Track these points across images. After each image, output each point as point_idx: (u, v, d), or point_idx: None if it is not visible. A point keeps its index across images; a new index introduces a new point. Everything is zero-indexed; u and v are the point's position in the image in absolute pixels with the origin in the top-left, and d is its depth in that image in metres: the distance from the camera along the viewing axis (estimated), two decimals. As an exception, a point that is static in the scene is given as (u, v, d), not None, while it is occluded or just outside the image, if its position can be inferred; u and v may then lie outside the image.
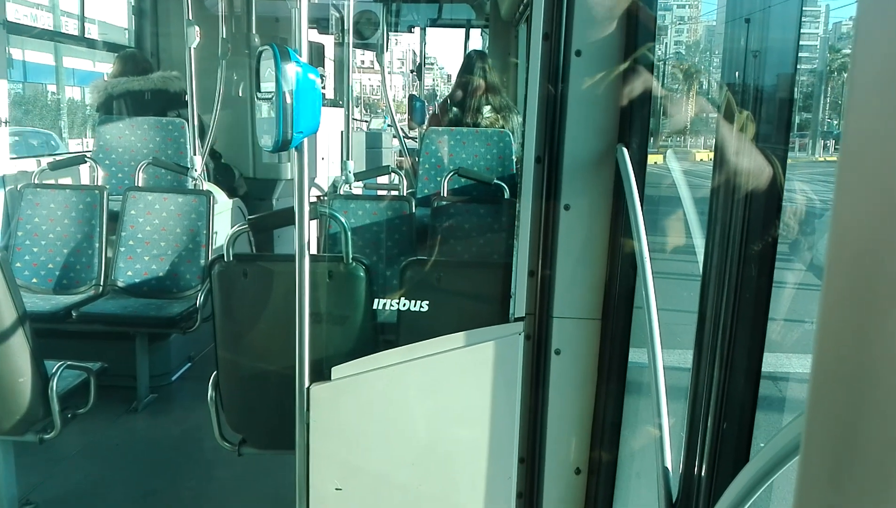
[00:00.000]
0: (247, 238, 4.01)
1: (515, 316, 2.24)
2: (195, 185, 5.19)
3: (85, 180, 5.57)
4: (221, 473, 3.68)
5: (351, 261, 2.75)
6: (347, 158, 5.34)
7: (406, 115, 7.27)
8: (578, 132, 2.09)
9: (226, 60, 5.80)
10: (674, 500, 1.65)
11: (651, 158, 2.14)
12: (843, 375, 0.56)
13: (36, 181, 4.85)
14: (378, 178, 6.82)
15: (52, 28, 16.21)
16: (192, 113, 5.24)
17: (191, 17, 5.08)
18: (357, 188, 5.61)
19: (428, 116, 6.57)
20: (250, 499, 3.53)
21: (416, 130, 7.19)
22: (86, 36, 7.38)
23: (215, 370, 2.94)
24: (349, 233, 2.84)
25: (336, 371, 2.29)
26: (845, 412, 0.55)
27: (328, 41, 7.86)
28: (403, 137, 7.26)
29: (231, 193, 5.93)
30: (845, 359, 0.55)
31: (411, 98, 7.11)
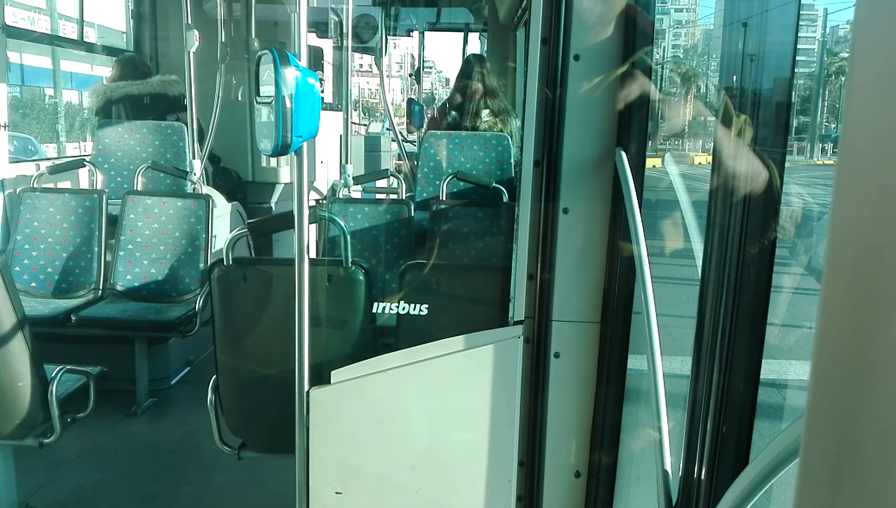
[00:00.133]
0: (246, 242, 4.01)
1: (515, 320, 2.24)
2: (194, 189, 5.19)
3: (84, 184, 5.57)
4: (221, 477, 3.68)
5: (350, 265, 2.76)
6: (346, 162, 5.34)
7: (405, 118, 7.27)
8: (577, 136, 2.10)
9: (225, 64, 5.80)
10: (673, 503, 1.65)
11: (650, 162, 2.15)
12: (842, 377, 0.56)
13: (35, 185, 4.85)
14: (377, 181, 6.82)
15: (49, 31, 16.19)
16: (191, 117, 5.24)
17: (190, 21, 5.08)
18: (356, 192, 5.62)
19: (426, 120, 6.57)
20: (250, 503, 3.53)
21: (415, 133, 7.20)
22: (84, 40, 7.38)
23: (215, 373, 2.94)
24: (348, 237, 2.84)
25: (336, 375, 2.29)
26: (845, 415, 0.55)
27: (327, 45, 7.87)
28: (402, 141, 7.27)
29: (230, 196, 5.93)
30: (845, 362, 0.56)
31: (410, 102, 7.12)
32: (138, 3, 6.96)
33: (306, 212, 2.13)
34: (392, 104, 9.72)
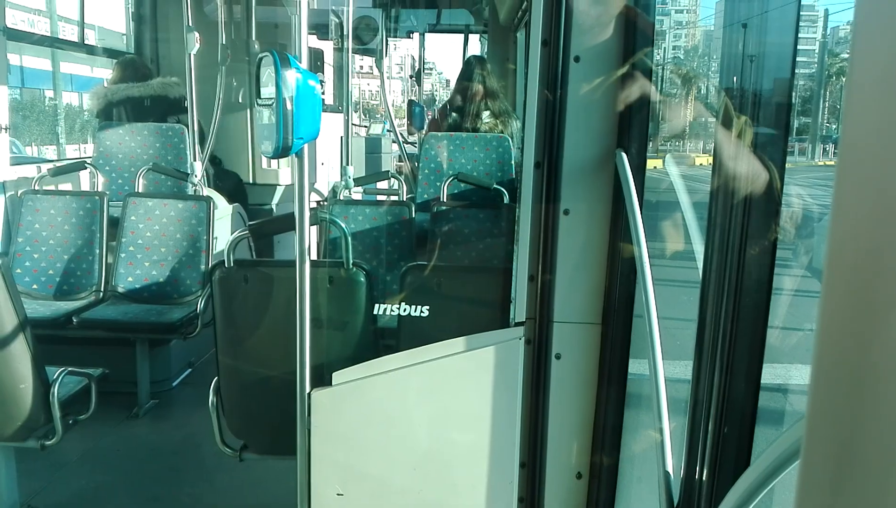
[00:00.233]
0: (247, 244, 4.01)
1: (516, 321, 2.24)
2: (195, 190, 5.20)
3: (85, 186, 5.57)
4: (222, 479, 3.68)
5: (351, 266, 2.76)
6: (347, 164, 5.35)
7: (405, 120, 7.28)
8: (577, 137, 2.10)
9: (225, 66, 5.81)
10: (675, 504, 1.65)
11: (651, 163, 2.15)
12: (843, 379, 0.56)
13: (36, 187, 4.86)
14: (378, 183, 6.82)
15: (49, 33, 16.20)
16: (191, 119, 5.25)
17: (190, 24, 5.09)
18: (357, 193, 5.62)
19: (427, 122, 6.57)
20: (251, 505, 3.53)
21: (416, 135, 7.20)
22: (85, 42, 7.38)
23: (216, 375, 2.94)
24: (349, 238, 2.85)
25: (337, 377, 2.29)
26: (845, 417, 0.55)
27: (327, 47, 7.87)
28: (403, 143, 7.27)
29: (231, 198, 5.94)
30: (845, 363, 0.56)
31: (410, 103, 7.12)
32: (139, 6, 6.96)
33: (307, 214, 2.14)
34: (392, 106, 9.72)
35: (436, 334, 2.34)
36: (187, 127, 5.41)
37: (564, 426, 2.24)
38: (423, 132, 6.25)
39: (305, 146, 2.01)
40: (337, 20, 6.54)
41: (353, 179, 5.26)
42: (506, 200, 4.53)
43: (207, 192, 5.29)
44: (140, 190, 5.12)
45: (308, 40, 2.26)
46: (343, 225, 3.18)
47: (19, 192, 4.83)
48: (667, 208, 2.29)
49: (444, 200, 4.69)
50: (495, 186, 4.68)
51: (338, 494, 2.33)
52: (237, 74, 6.63)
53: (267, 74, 1.93)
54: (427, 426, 2.35)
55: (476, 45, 8.80)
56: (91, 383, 3.19)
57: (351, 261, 2.75)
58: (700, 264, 1.76)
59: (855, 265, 0.55)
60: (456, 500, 2.36)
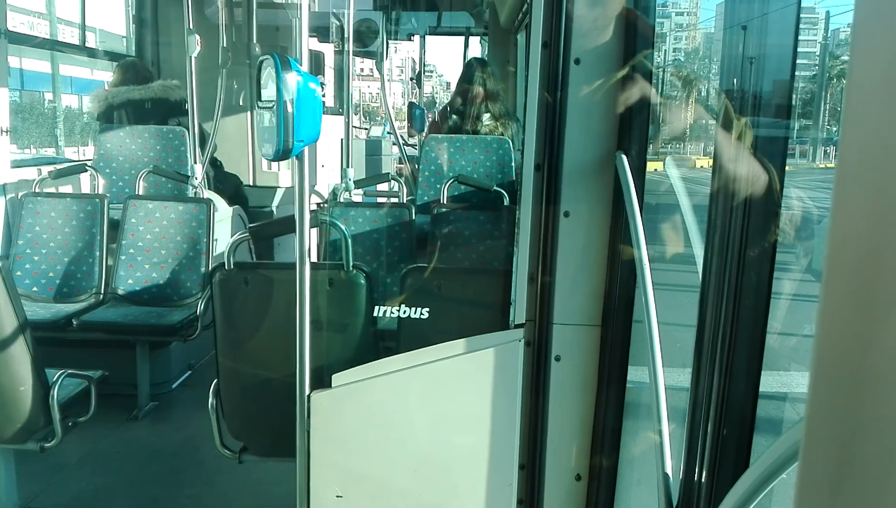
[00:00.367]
0: (247, 246, 4.02)
1: (515, 323, 2.24)
2: (195, 193, 5.20)
3: (85, 189, 5.57)
4: (222, 481, 3.68)
5: (351, 268, 2.76)
6: (347, 166, 5.35)
7: (405, 122, 7.28)
8: (578, 139, 2.10)
9: (226, 69, 5.82)
10: (674, 506, 1.65)
11: (651, 166, 2.15)
12: (842, 380, 0.56)
13: (36, 190, 4.86)
14: (378, 185, 6.82)
15: (49, 36, 16.19)
16: (192, 121, 5.25)
17: (191, 26, 5.09)
18: (357, 196, 5.62)
19: (427, 124, 6.58)
20: (251, 507, 3.53)
21: (416, 137, 7.21)
22: (85, 45, 7.39)
23: (216, 377, 2.94)
24: (349, 240, 2.85)
25: (336, 379, 2.29)
26: (844, 418, 0.56)
27: (328, 49, 7.88)
28: (403, 145, 7.27)
29: (231, 200, 5.94)
30: (844, 365, 0.56)
31: (411, 105, 7.12)
32: (140, 8, 6.97)
33: (307, 216, 2.14)
34: (393, 108, 9.73)
35: (436, 336, 2.34)
36: (188, 130, 5.41)
37: (564, 427, 2.24)
38: (424, 134, 6.25)
39: (306, 149, 2.01)
40: (338, 23, 6.56)
41: (354, 182, 5.26)
42: (506, 202, 4.53)
43: (208, 194, 5.30)
44: (140, 192, 5.13)
45: (309, 43, 2.27)
46: (343, 227, 3.17)
47: (20, 194, 4.83)
48: (668, 210, 2.30)
49: (445, 202, 4.70)
50: (495, 188, 4.68)
51: (337, 496, 2.33)
52: (238, 77, 6.64)
53: (268, 76, 1.93)
54: (427, 428, 2.35)
55: (476, 48, 8.81)
56: (91, 385, 3.19)
57: (351, 263, 2.75)
58: (700, 267, 1.76)
59: (854, 267, 0.55)
60: (456, 502, 2.36)
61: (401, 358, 2.30)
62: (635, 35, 2.05)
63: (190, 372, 5.09)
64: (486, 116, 5.46)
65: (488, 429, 2.28)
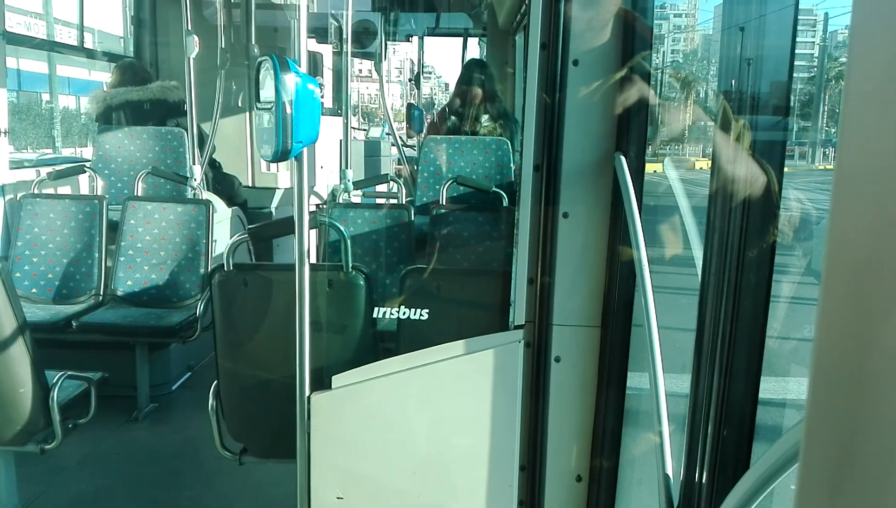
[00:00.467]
0: (246, 247, 4.01)
1: (515, 324, 2.24)
2: (194, 194, 5.20)
3: (84, 190, 5.57)
4: (222, 482, 3.68)
5: (351, 270, 2.76)
6: (346, 167, 5.35)
7: (404, 123, 7.28)
8: (576, 141, 2.10)
9: (225, 70, 5.82)
10: (675, 507, 1.65)
11: (651, 167, 2.15)
12: (841, 381, 0.56)
13: (35, 191, 4.86)
14: (377, 186, 6.83)
15: (45, 36, 16.15)
16: (191, 123, 5.25)
17: (190, 27, 5.09)
18: (356, 197, 5.62)
19: (426, 125, 6.58)
20: (251, 508, 3.53)
21: (415, 138, 7.22)
22: (83, 46, 7.39)
23: (216, 379, 2.94)
24: (349, 241, 2.85)
25: (336, 380, 2.29)
26: (844, 419, 0.56)
27: (326, 50, 7.88)
28: (402, 146, 7.28)
29: (230, 202, 5.94)
30: (844, 365, 0.56)
31: (409, 107, 7.12)
32: (138, 9, 6.97)
33: (306, 217, 2.14)
34: (392, 109, 9.73)
35: (435, 337, 2.34)
36: (186, 131, 5.41)
37: (564, 429, 2.24)
38: (423, 135, 6.25)
39: (305, 150, 2.01)
40: (336, 24, 6.56)
41: (353, 183, 5.27)
42: (505, 203, 4.54)
43: (207, 195, 5.30)
44: (139, 194, 5.13)
45: (307, 44, 2.27)
46: (342, 228, 3.18)
47: (18, 195, 4.83)
48: (667, 211, 2.30)
49: (444, 203, 4.70)
50: (494, 189, 4.68)
51: (337, 497, 2.33)
52: (236, 78, 6.63)
53: (266, 77, 1.94)
54: (427, 429, 2.35)
55: (475, 49, 8.82)
56: (90, 387, 3.19)
57: (350, 264, 2.76)
58: (699, 268, 1.77)
59: (854, 268, 0.55)
60: (456, 503, 2.36)
61: (400, 359, 2.30)
62: (633, 36, 2.05)
63: (189, 374, 5.09)
64: (484, 117, 5.47)
65: (488, 430, 2.28)
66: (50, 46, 10.89)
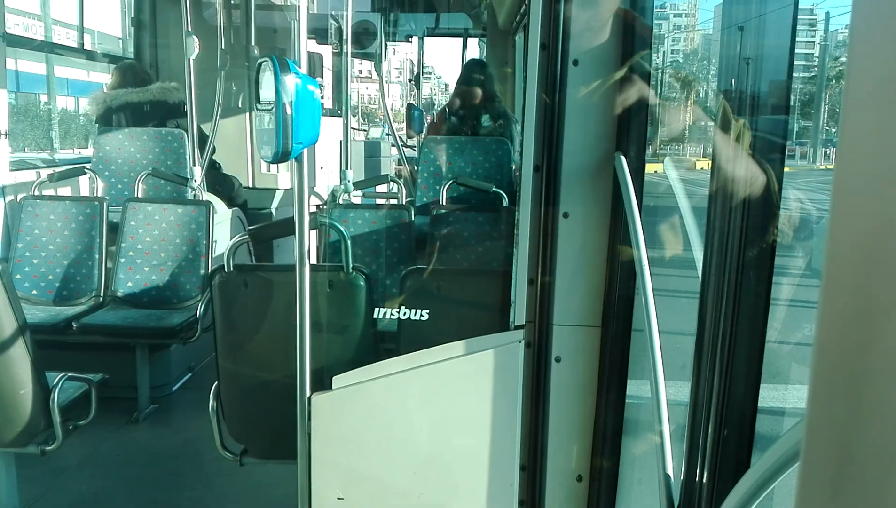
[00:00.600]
0: (247, 248, 4.02)
1: (515, 324, 2.24)
2: (195, 195, 5.20)
3: (85, 192, 5.57)
4: (223, 483, 3.68)
5: (351, 270, 2.76)
6: (346, 168, 5.35)
7: (404, 124, 7.28)
8: (576, 141, 2.10)
9: (225, 71, 5.82)
10: (675, 507, 1.65)
11: (651, 167, 2.15)
12: (842, 381, 0.56)
13: (35, 193, 4.86)
14: (377, 187, 6.83)
15: (43, 37, 16.11)
16: (191, 124, 5.25)
17: (190, 28, 5.10)
18: (356, 197, 5.62)
19: (426, 125, 6.58)
20: (252, 509, 3.53)
21: (415, 138, 7.22)
22: (83, 47, 7.39)
23: (216, 380, 2.94)
24: (349, 242, 2.85)
25: (337, 381, 2.29)
26: (845, 419, 0.56)
27: (326, 51, 7.88)
28: (402, 146, 7.28)
29: (230, 203, 5.94)
30: (844, 365, 0.56)
31: (409, 107, 7.12)
32: (138, 11, 6.97)
33: (307, 218, 2.14)
34: (391, 109, 9.73)
35: (436, 337, 2.34)
36: (186, 132, 5.41)
37: (564, 428, 2.24)
38: (423, 136, 6.26)
39: (305, 150, 2.01)
40: (336, 24, 6.56)
41: (353, 183, 5.27)
42: (505, 203, 4.54)
43: (207, 196, 5.30)
44: (139, 195, 5.13)
45: (307, 45, 2.27)
46: (342, 229, 3.18)
47: (19, 197, 4.83)
48: (668, 212, 2.30)
49: (444, 203, 4.70)
50: (494, 189, 4.68)
51: (338, 498, 2.33)
52: (236, 79, 6.64)
53: (266, 79, 1.94)
54: (427, 429, 2.35)
55: (475, 49, 8.82)
56: (91, 388, 3.19)
57: (350, 265, 2.76)
58: (699, 268, 1.77)
59: (854, 268, 0.55)
60: (456, 503, 2.36)
61: (401, 360, 2.30)
62: (633, 36, 2.05)
63: (190, 375, 5.09)
64: (484, 118, 5.47)
65: (489, 430, 2.28)
66: (50, 48, 10.89)
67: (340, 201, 5.01)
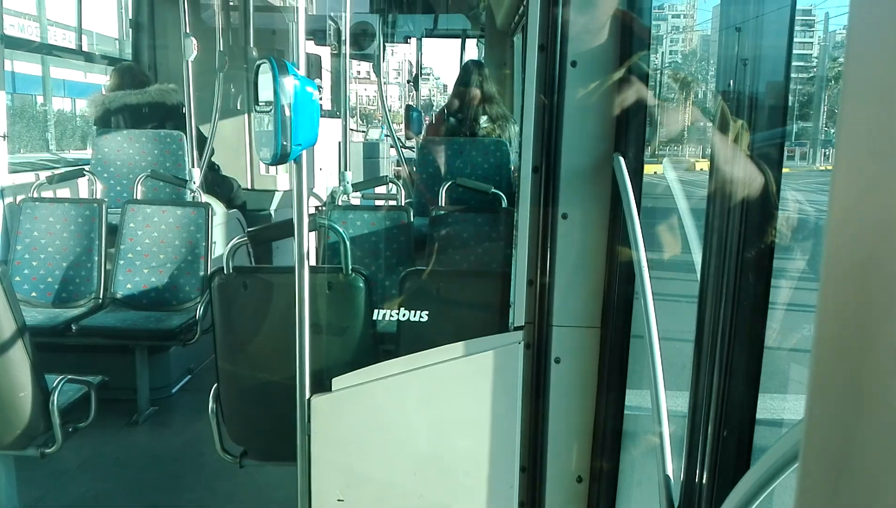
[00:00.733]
0: (246, 250, 4.01)
1: (515, 325, 2.24)
2: (193, 197, 5.20)
3: (83, 194, 5.57)
4: (223, 485, 3.68)
5: (350, 272, 2.76)
6: (345, 169, 5.35)
7: (403, 125, 7.28)
8: (575, 142, 2.10)
9: (223, 73, 5.82)
10: (675, 507, 1.65)
11: (651, 168, 2.16)
12: (841, 382, 0.56)
13: (34, 195, 4.86)
14: (376, 188, 6.83)
15: (39, 38, 16.08)
16: (189, 125, 5.25)
17: (188, 30, 5.10)
18: (355, 199, 5.62)
19: (425, 126, 6.58)
20: (252, 511, 3.53)
21: (414, 139, 7.22)
22: (81, 49, 7.39)
23: (216, 382, 2.94)
24: (348, 244, 2.85)
25: (337, 382, 2.29)
26: (844, 420, 0.56)
27: (325, 52, 7.88)
28: (401, 147, 7.28)
29: (229, 204, 5.94)
30: (843, 366, 0.56)
31: (408, 108, 7.13)
32: (137, 13, 6.97)
33: (306, 219, 2.14)
34: (390, 111, 9.73)
35: (435, 338, 2.34)
36: (185, 134, 5.41)
37: (564, 429, 2.24)
38: (421, 137, 6.26)
39: (304, 152, 2.01)
40: (334, 26, 6.56)
41: (352, 185, 5.26)
42: (504, 204, 4.54)
43: (206, 198, 5.30)
44: (138, 197, 5.13)
45: (305, 46, 2.27)
46: (341, 230, 3.18)
47: (18, 199, 4.83)
48: (668, 213, 2.30)
49: (443, 204, 4.70)
50: (493, 190, 4.68)
51: (338, 500, 2.33)
52: (235, 81, 6.64)
53: (265, 80, 1.93)
54: (427, 430, 2.35)
55: (473, 50, 8.82)
56: (90, 390, 3.19)
57: (350, 266, 2.76)
58: (698, 268, 1.77)
59: (852, 270, 0.55)
60: (457, 505, 2.36)
61: (400, 361, 2.30)
62: (631, 37, 2.05)
63: (189, 377, 5.08)
64: (483, 119, 5.47)
65: (489, 432, 2.28)
66: (49, 50, 10.89)
67: (339, 203, 5.01)
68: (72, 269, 4.72)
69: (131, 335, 4.40)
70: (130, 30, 7.04)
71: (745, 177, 1.59)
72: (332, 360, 2.63)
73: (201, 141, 5.56)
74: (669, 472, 1.65)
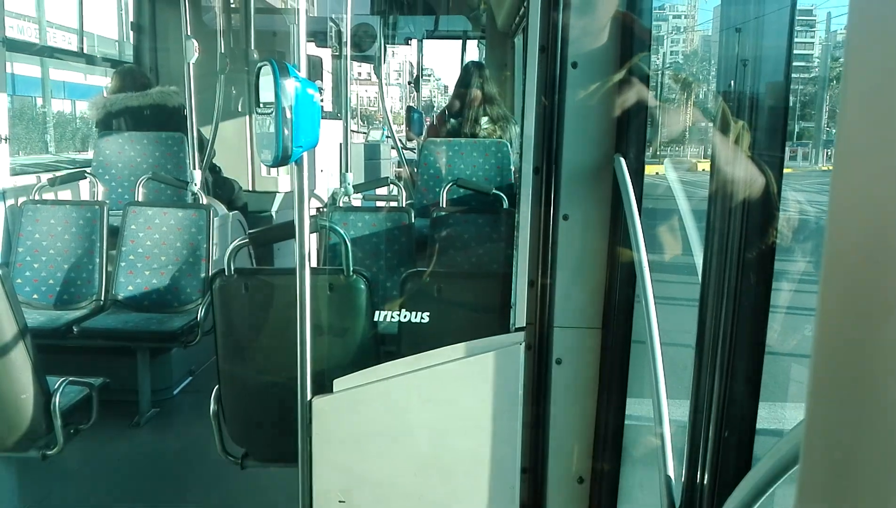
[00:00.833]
0: (247, 252, 4.02)
1: (516, 326, 2.24)
2: (195, 199, 5.20)
3: (85, 196, 5.58)
4: (224, 487, 3.68)
5: (351, 273, 2.76)
6: (346, 170, 5.35)
7: (404, 126, 7.28)
8: (576, 143, 2.10)
9: (224, 75, 5.82)
10: (676, 508, 1.65)
11: (653, 169, 2.16)
12: (842, 382, 0.56)
13: (36, 197, 4.86)
14: (377, 189, 6.83)
15: (38, 40, 16.10)
16: (191, 127, 5.26)
17: (189, 32, 5.10)
18: (356, 200, 5.62)
19: (426, 128, 6.58)
20: (253, 513, 3.53)
21: (415, 141, 7.22)
22: (82, 51, 7.39)
23: (217, 383, 2.94)
24: (349, 245, 2.85)
25: (338, 384, 2.29)
26: (844, 422, 0.56)
27: (326, 54, 7.89)
28: (402, 149, 7.28)
29: (230, 206, 5.94)
30: (844, 368, 0.56)
31: (409, 109, 7.12)
32: (138, 15, 6.97)
33: (307, 221, 2.14)
34: (391, 112, 9.74)
35: (436, 340, 2.34)
36: (186, 136, 5.42)
37: (565, 430, 2.24)
38: (422, 138, 6.26)
39: (305, 154, 2.01)
40: (335, 27, 6.56)
41: (353, 186, 5.26)
42: (505, 205, 4.54)
43: (207, 200, 5.30)
44: (140, 199, 5.13)
45: (306, 48, 2.27)
46: (342, 232, 3.18)
47: (19, 201, 4.84)
48: (670, 214, 2.30)
49: (444, 205, 4.70)
50: (494, 191, 4.68)
51: (340, 501, 2.33)
52: (236, 83, 6.64)
53: (266, 82, 1.94)
54: (428, 432, 2.35)
55: (474, 52, 8.82)
56: (92, 392, 3.19)
57: (351, 268, 2.76)
58: (699, 270, 1.77)
59: (852, 271, 0.55)
60: (458, 506, 2.36)
61: (402, 363, 2.30)
62: (632, 38, 2.05)
63: (191, 378, 5.08)
64: (484, 120, 5.47)
65: (490, 433, 2.28)
66: (50, 53, 10.91)
67: (340, 204, 5.01)
68: (73, 271, 4.72)
69: (132, 336, 4.40)
70: (131, 32, 7.05)
71: (747, 177, 1.59)
72: (334, 361, 2.63)
73: (202, 143, 5.56)
74: (671, 473, 1.65)
